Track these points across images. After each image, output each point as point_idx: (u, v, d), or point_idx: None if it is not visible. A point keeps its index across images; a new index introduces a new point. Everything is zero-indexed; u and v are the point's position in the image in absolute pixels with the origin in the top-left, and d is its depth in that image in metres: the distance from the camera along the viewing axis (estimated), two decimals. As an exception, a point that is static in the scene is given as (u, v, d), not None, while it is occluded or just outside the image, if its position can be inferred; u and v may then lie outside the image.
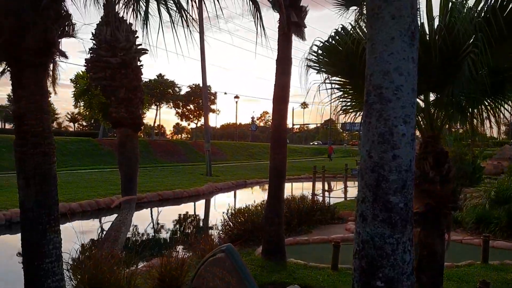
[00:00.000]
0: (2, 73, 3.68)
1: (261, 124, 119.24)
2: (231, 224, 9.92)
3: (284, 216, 7.91)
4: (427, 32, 4.23)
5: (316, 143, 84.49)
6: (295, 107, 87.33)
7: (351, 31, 4.73)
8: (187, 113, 67.53)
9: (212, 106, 68.73)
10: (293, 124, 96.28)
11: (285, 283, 5.77)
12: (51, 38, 3.59)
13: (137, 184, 8.41)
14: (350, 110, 5.54)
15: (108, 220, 9.72)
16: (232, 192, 23.58)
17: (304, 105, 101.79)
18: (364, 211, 2.99)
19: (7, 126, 67.82)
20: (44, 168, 3.47)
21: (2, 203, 13.55)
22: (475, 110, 4.71)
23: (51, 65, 3.86)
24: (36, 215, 3.40)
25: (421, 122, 4.85)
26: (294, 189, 19.84)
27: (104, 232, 8.43)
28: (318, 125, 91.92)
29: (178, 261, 4.99)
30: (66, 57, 3.79)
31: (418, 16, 3.78)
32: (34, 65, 3.56)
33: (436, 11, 4.19)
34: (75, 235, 5.77)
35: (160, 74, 61.52)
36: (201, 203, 19.83)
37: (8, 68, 3.65)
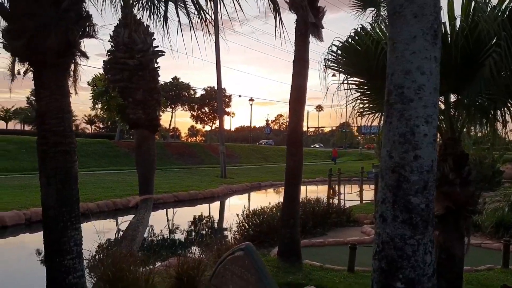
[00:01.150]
0: (25, 73, 3.74)
1: (276, 127, 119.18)
2: (246, 225, 9.92)
3: (300, 218, 7.89)
4: (448, 32, 4.18)
5: (317, 146, 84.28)
6: (310, 110, 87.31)
7: (370, 31, 4.70)
8: (201, 116, 67.90)
9: (227, 109, 68.98)
10: (307, 127, 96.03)
11: (301, 284, 5.75)
12: (72, 39, 3.64)
13: (153, 185, 8.46)
14: (367, 112, 5.50)
15: (125, 220, 9.80)
16: (247, 194, 23.60)
17: (319, 107, 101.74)
18: (384, 212, 2.96)
19: (26, 128, 68.95)
20: (65, 166, 3.52)
21: (22, 203, 13.74)
22: (498, 112, 4.64)
23: (72, 66, 3.91)
24: (57, 213, 3.44)
25: (441, 124, 4.80)
26: (309, 192, 19.78)
27: (121, 232, 8.50)
28: (334, 128, 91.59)
29: (195, 260, 5.01)
30: (87, 57, 3.85)
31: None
32: (56, 65, 3.61)
33: (457, 11, 4.15)
34: (93, 234, 5.84)
35: (175, 76, 62.02)
36: (216, 205, 19.89)
37: (31, 68, 3.70)
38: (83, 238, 3.64)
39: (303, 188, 9.16)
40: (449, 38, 4.20)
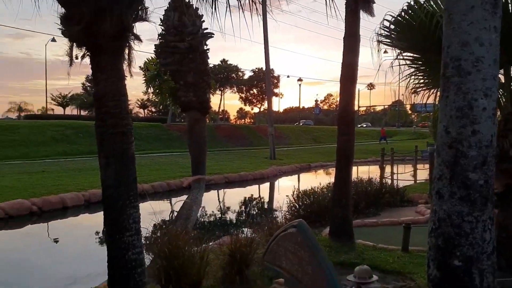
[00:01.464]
0: (82, 58, 3.88)
1: (325, 107, 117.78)
2: (296, 205, 9.95)
3: (352, 198, 7.82)
4: (509, 1, 3.96)
5: (364, 125, 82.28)
6: (361, 89, 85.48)
7: (424, 4, 4.53)
8: (250, 98, 68.10)
9: (275, 90, 68.74)
10: (358, 106, 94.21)
11: (354, 264, 5.72)
12: (126, 23, 3.73)
13: (205, 166, 8.64)
14: (422, 88, 5.34)
15: (179, 200, 10.10)
16: (296, 175, 23.60)
17: (371, 86, 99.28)
18: (440, 189, 2.88)
19: (82, 113, 71.93)
20: (122, 147, 3.65)
21: (81, 184, 14.43)
22: None
23: (126, 49, 4.02)
24: (116, 192, 3.59)
25: (501, 98, 4.58)
26: (361, 172, 19.52)
27: (176, 212, 8.77)
28: (386, 106, 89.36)
29: (247, 239, 5.10)
30: (140, 40, 3.93)
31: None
32: (111, 49, 3.72)
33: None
34: (149, 215, 6.06)
35: (224, 59, 62.35)
36: (265, 186, 20.04)
37: (88, 53, 3.84)
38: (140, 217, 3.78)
39: (354, 168, 9.05)
40: (510, 7, 3.98)
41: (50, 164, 21.25)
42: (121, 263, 3.52)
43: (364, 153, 31.65)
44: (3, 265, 8.10)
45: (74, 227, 11.48)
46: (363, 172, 20.13)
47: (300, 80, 69.37)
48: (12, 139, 28.26)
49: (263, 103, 66.87)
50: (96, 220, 10.65)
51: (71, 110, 76.24)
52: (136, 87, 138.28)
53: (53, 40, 43.93)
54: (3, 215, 11.11)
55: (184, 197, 8.55)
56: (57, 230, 11.22)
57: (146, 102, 78.63)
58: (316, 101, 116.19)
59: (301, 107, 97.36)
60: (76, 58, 3.85)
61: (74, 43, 3.79)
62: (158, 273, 4.45)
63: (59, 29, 3.82)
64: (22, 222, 11.29)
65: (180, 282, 4.25)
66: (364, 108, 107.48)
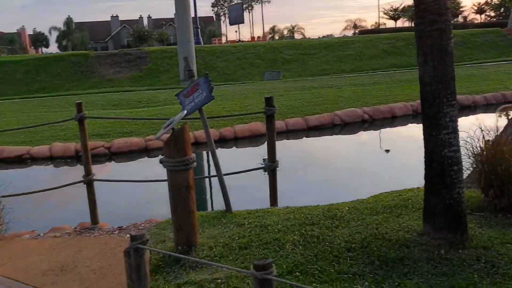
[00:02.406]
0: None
1: None
2: None
3: None
4: None
5: None
6: None
7: None
8: None
9: None
10: None
11: None
12: None
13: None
14: None
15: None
16: None
17: None
18: None
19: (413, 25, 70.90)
20: (440, 44, 3.55)
21: (409, 95, 14.67)
22: None
23: None
24: (433, 90, 3.58)
25: None
26: None
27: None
28: None
29: None
30: None
31: None
32: None
33: None
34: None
35: None
36: None
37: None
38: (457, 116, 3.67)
39: None
40: None
41: (380, 76, 22.34)
42: (436, 159, 3.58)
43: None
44: (339, 165, 9.32)
45: (401, 137, 11.92)
46: None
47: None
48: (347, 54, 30.86)
49: None
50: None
51: (402, 23, 76.74)
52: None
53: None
54: (339, 122, 12.60)
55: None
56: (385, 139, 11.96)
57: (483, 6, 70.98)
58: None
59: None
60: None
61: None
62: (478, 178, 4.30)
63: None
64: (354, 128, 12.55)
65: (502, 188, 4.00)
66: None
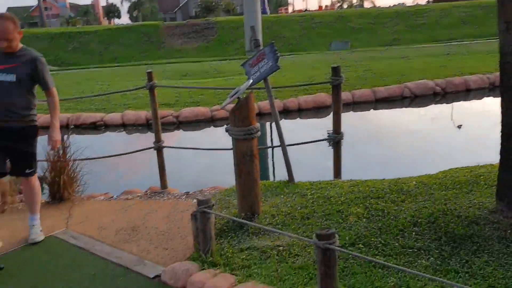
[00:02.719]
0: None
1: None
2: None
3: None
4: None
5: None
6: None
7: None
8: None
9: None
10: None
11: None
12: None
13: None
14: None
15: None
16: None
17: None
18: None
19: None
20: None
21: (486, 67, 13.78)
22: None
23: None
24: (514, 60, 3.36)
25: None
26: None
27: None
28: None
29: None
30: None
31: None
32: None
33: None
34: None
35: None
36: None
37: None
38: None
39: None
40: None
41: (455, 47, 21.13)
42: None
43: None
44: (407, 140, 9.03)
45: (475, 112, 11.30)
46: None
47: None
48: (420, 23, 29.38)
49: None
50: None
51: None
52: None
53: None
54: (409, 94, 12.12)
55: None
56: (457, 113, 11.38)
57: None
58: None
59: None
60: None
61: None
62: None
63: None
64: (425, 101, 12.03)
65: None
66: None
